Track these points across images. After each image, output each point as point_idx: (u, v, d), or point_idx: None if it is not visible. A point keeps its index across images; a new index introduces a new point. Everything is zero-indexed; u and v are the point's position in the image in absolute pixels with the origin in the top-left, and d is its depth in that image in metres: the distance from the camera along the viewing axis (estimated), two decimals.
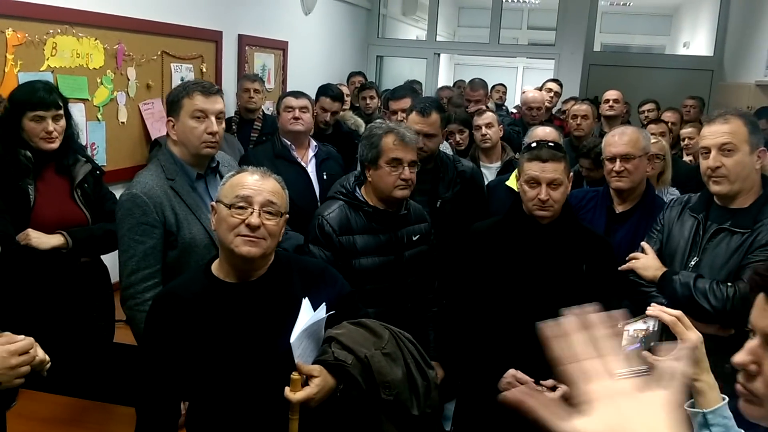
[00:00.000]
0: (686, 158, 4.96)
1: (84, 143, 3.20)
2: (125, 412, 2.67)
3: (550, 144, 2.44)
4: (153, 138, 3.89)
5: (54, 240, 2.56)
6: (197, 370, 1.77)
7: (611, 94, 5.45)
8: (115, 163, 3.62)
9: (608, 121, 5.39)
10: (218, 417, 1.78)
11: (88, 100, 3.43)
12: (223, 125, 2.51)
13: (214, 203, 1.88)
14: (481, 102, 5.43)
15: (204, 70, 4.50)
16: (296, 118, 3.67)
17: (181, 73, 4.26)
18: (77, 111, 3.30)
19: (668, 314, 1.41)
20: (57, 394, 2.58)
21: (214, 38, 4.65)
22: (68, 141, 2.69)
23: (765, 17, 6.23)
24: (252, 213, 1.77)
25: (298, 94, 3.80)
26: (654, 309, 1.41)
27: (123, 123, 3.72)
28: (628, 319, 1.45)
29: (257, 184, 1.82)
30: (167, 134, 2.48)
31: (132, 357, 2.86)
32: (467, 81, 5.94)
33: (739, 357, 1.03)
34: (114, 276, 3.47)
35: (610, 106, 5.40)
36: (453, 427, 2.63)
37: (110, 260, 3.30)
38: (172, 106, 2.45)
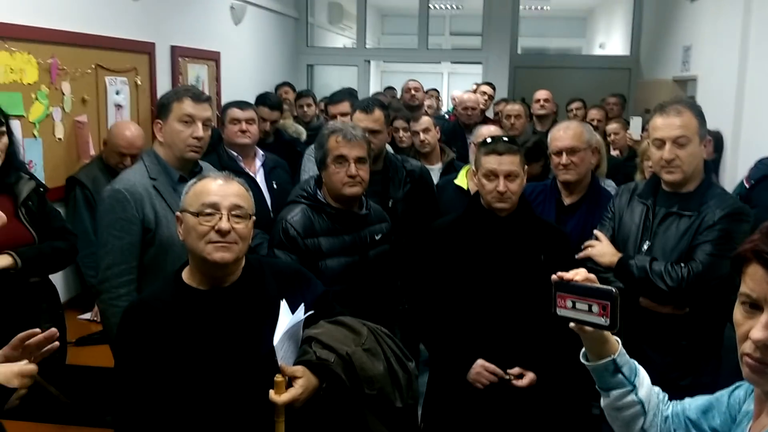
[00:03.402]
0: (613, 152, 5.19)
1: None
2: None
3: (505, 138, 2.52)
4: (81, 159, 3.76)
5: (2, 261, 2.46)
6: (177, 381, 1.74)
7: (542, 94, 5.63)
8: (53, 181, 3.48)
9: (540, 120, 5.58)
10: (203, 424, 1.75)
11: (23, 116, 3.30)
12: (209, 132, 2.58)
13: (179, 213, 1.85)
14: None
15: (139, 82, 4.39)
16: (243, 131, 3.62)
17: (116, 86, 4.15)
18: (13, 128, 3.17)
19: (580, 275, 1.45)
20: (12, 419, 2.49)
21: (147, 50, 4.55)
22: (10, 158, 2.60)
23: (678, 15, 6.58)
24: (221, 218, 1.76)
25: (243, 105, 3.74)
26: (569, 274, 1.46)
27: (60, 139, 3.59)
28: None
29: (222, 189, 1.81)
30: (153, 136, 2.56)
31: (86, 377, 2.81)
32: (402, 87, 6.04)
33: (759, 334, 1.05)
34: (63, 296, 3.37)
35: (541, 106, 5.59)
36: (422, 423, 2.67)
37: (59, 279, 3.21)
38: (162, 109, 2.54)
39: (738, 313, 1.12)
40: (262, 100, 4.58)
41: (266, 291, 1.84)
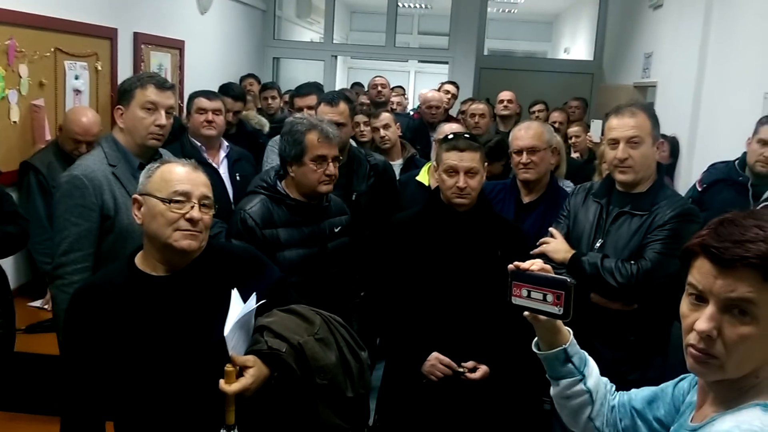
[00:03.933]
0: (574, 155, 5.27)
1: None
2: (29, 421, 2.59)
3: (466, 135, 2.55)
4: (36, 143, 3.68)
5: None
6: (125, 366, 1.72)
7: (505, 95, 5.70)
8: (6, 165, 3.40)
9: (503, 120, 5.65)
10: (152, 412, 1.74)
11: None
12: (171, 120, 2.56)
13: (138, 196, 1.82)
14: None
15: (99, 68, 4.31)
16: (209, 122, 3.58)
17: (76, 71, 4.07)
18: None
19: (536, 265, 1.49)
20: None
21: (109, 35, 4.47)
22: None
23: (640, 23, 6.71)
24: (192, 207, 1.76)
25: (211, 95, 3.70)
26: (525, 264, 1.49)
27: (15, 122, 3.51)
28: None
29: (192, 178, 1.80)
30: (112, 122, 2.53)
31: (35, 365, 2.76)
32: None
33: (703, 325, 1.09)
34: (14, 282, 3.30)
35: (505, 106, 5.66)
36: (377, 415, 2.68)
37: (9, 265, 3.14)
38: (124, 95, 2.50)
39: (684, 305, 1.16)
40: (225, 90, 4.54)
41: (219, 277, 1.83)
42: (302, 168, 2.52)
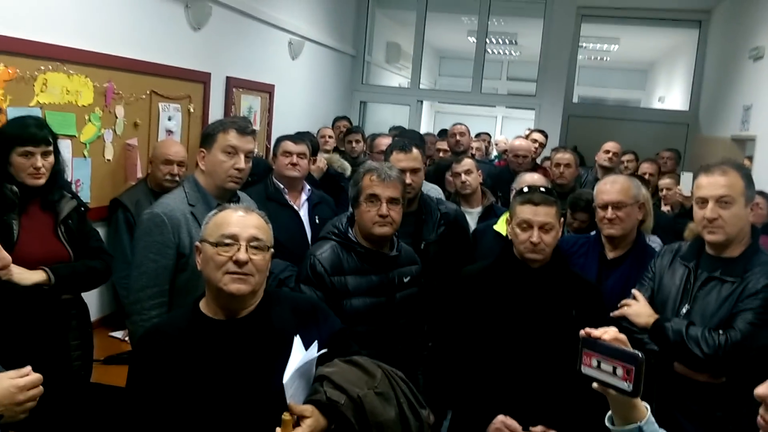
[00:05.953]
0: (664, 208, 5.04)
1: (69, 179, 3.16)
2: None
3: (542, 188, 2.47)
4: (128, 180, 3.84)
5: (36, 276, 2.51)
6: (184, 410, 1.73)
7: (611, 146, 5.50)
8: (99, 201, 3.56)
9: (605, 172, 5.41)
10: None
11: (75, 136, 3.40)
12: (250, 164, 2.65)
13: (198, 244, 1.87)
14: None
15: (192, 110, 4.49)
16: (294, 164, 3.66)
17: (169, 112, 4.25)
18: (64, 147, 3.25)
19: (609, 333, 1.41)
20: None
21: (203, 79, 4.66)
22: (55, 177, 2.68)
23: (739, 74, 6.42)
24: (239, 249, 1.77)
25: (297, 139, 3.79)
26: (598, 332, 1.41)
27: (109, 160, 3.68)
28: None
29: (242, 221, 1.84)
30: (196, 164, 2.66)
31: (110, 397, 2.82)
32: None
33: (763, 389, 1.02)
34: (98, 312, 3.42)
35: (609, 159, 5.46)
36: None
37: (94, 297, 3.26)
38: (207, 138, 2.63)
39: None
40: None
41: (281, 324, 1.82)
42: (359, 209, 2.53)
